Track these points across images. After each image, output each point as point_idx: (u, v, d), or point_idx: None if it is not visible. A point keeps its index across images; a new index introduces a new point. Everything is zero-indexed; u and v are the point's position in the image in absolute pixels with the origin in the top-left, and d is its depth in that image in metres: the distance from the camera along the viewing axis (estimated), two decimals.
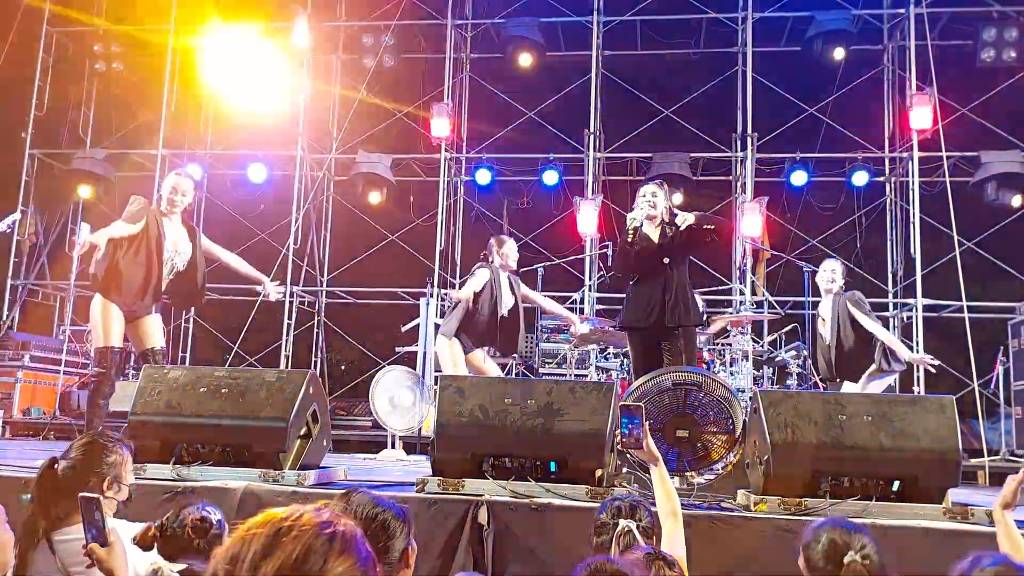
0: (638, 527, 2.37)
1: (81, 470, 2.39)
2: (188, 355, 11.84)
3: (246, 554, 1.07)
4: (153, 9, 11.66)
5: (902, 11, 10.41)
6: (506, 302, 6.34)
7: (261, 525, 1.10)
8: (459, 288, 6.44)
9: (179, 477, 3.77)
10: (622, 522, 2.37)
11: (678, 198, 10.02)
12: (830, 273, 6.41)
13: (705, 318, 7.35)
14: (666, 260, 5.12)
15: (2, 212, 11.23)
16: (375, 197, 11.23)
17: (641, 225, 5.11)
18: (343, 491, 2.32)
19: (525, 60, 11.01)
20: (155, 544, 2.31)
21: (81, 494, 2.17)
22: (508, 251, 6.48)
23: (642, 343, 5.26)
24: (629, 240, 5.09)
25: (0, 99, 10.14)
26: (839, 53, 10.40)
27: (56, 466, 2.41)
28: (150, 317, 5.34)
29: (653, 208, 5.18)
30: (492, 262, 6.43)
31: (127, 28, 11.78)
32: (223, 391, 4.00)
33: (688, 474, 4.31)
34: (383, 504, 2.22)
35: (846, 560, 2.12)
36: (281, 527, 1.09)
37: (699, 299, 7.27)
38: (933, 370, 6.59)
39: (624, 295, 5.47)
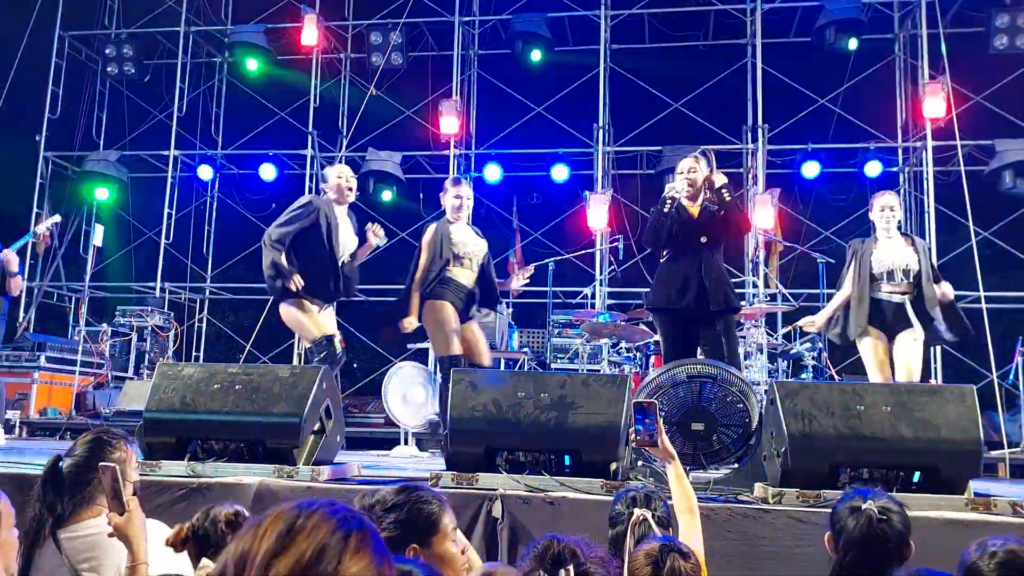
0: (653, 516, 2.35)
1: (85, 467, 2.39)
2: (202, 354, 11.90)
3: (257, 551, 1.02)
4: (164, 12, 11.75)
5: None
6: (346, 244, 5.51)
7: (273, 521, 1.06)
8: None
9: (193, 473, 3.77)
10: (637, 511, 2.35)
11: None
12: (891, 211, 5.27)
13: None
14: (703, 239, 4.82)
15: (17, 216, 11.34)
16: (386, 194, 11.24)
17: (678, 200, 4.81)
18: (401, 484, 2.25)
19: (533, 56, 10.99)
20: (187, 545, 2.30)
21: (100, 463, 2.18)
22: (330, 174, 5.55)
23: (675, 326, 4.88)
24: (664, 211, 4.79)
25: (14, 103, 10.24)
26: (850, 42, 10.32)
27: (60, 464, 2.41)
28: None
29: (691, 186, 4.88)
30: (322, 194, 5.52)
31: (138, 31, 11.87)
32: (237, 387, 3.99)
33: (705, 468, 4.28)
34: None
35: (863, 507, 2.28)
36: (294, 524, 1.04)
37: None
38: None
39: (654, 275, 5.09)
